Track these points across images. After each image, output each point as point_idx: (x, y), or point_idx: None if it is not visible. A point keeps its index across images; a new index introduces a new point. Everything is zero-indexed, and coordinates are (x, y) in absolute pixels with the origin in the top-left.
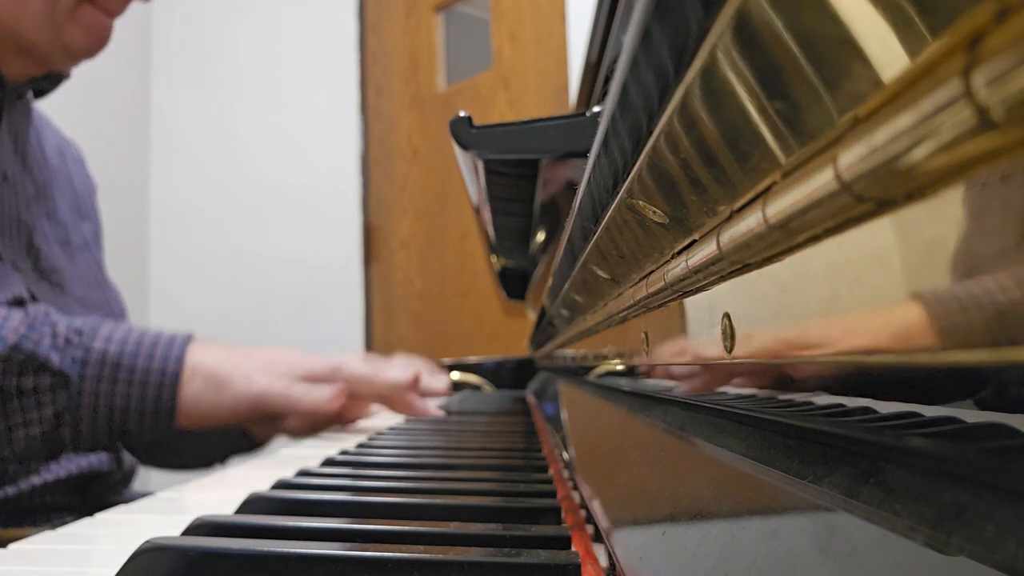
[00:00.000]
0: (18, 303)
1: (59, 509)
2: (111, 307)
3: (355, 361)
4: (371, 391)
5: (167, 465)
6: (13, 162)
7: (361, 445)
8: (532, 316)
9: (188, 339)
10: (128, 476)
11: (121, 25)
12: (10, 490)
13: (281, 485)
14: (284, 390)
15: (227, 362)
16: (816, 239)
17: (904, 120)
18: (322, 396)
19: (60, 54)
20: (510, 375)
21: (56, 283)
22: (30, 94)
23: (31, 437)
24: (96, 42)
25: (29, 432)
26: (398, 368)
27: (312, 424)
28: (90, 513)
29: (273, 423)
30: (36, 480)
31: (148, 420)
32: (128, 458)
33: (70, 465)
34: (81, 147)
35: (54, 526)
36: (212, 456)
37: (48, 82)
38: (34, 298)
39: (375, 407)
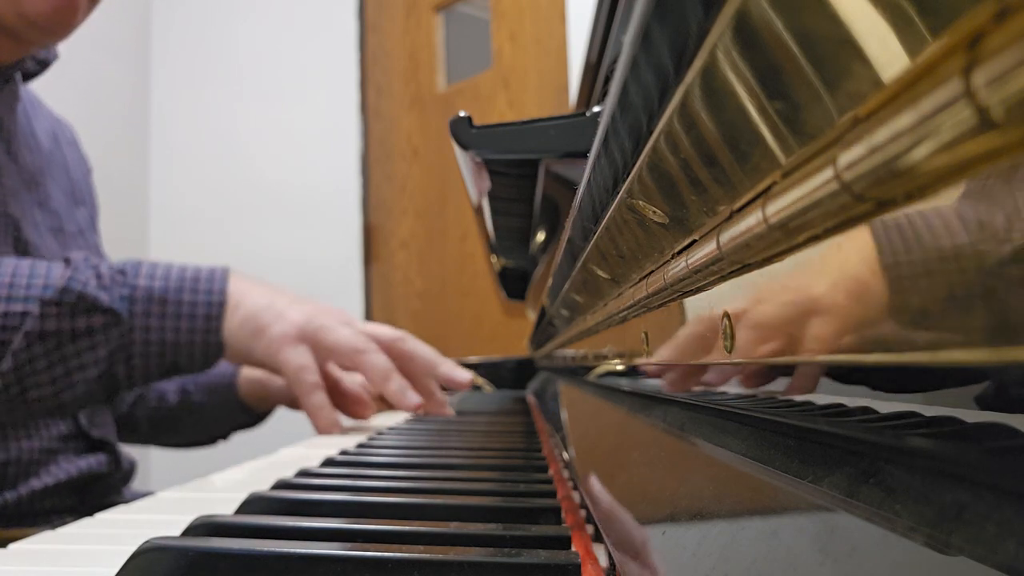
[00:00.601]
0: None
1: (59, 512)
2: None
3: (416, 340)
4: (429, 375)
5: (168, 443)
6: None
7: (361, 445)
8: (532, 316)
9: (227, 272)
10: (127, 476)
11: (121, 25)
12: (9, 495)
13: (281, 485)
14: (305, 383)
15: (268, 308)
16: (816, 239)
17: (904, 120)
18: (329, 418)
19: (25, 25)
20: (510, 375)
21: None
22: (17, 77)
23: (88, 379)
24: (60, 8)
25: (87, 374)
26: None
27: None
28: (90, 514)
29: (270, 391)
30: (36, 484)
31: (198, 353)
32: (127, 458)
33: (69, 467)
34: (82, 151)
35: (54, 527)
36: (214, 432)
37: (35, 64)
38: None
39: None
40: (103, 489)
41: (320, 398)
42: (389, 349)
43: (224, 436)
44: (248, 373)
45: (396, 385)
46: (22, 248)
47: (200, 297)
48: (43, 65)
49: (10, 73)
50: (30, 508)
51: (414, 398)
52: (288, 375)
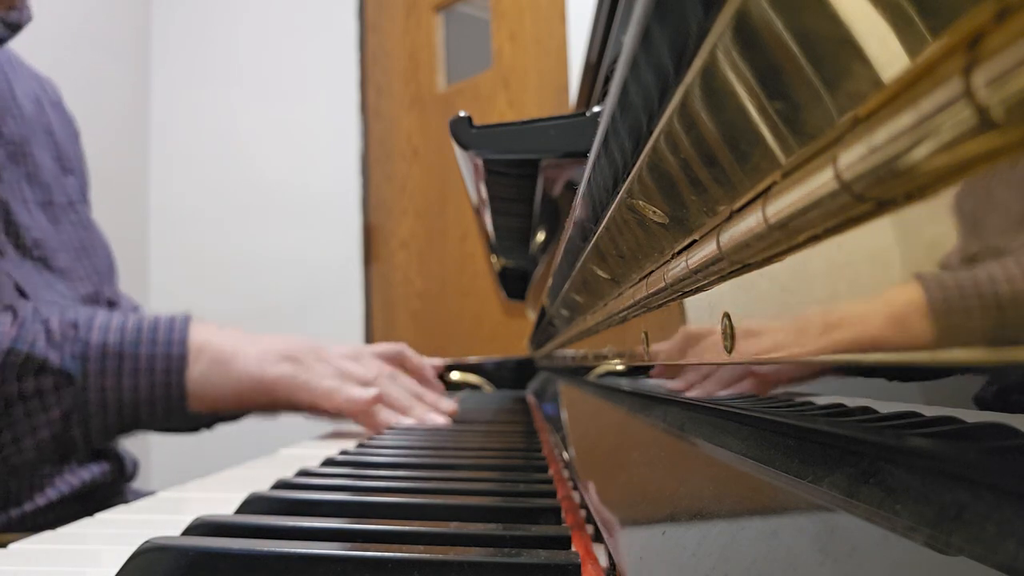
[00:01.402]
0: (6, 307)
1: (64, 523)
2: (98, 268)
3: (415, 353)
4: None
5: (158, 428)
6: None
7: (361, 445)
8: (532, 316)
9: (188, 320)
10: (130, 476)
11: (121, 25)
12: (14, 513)
13: (281, 485)
14: (310, 380)
15: (237, 344)
16: (816, 239)
17: (904, 120)
18: (362, 394)
19: None
20: (510, 375)
21: (39, 258)
22: None
23: (41, 442)
24: None
25: (39, 437)
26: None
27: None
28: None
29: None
30: (40, 500)
31: (160, 408)
32: (130, 460)
33: (73, 480)
34: (68, 112)
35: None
36: (199, 421)
37: (4, 28)
38: (20, 291)
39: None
40: (106, 494)
41: (334, 383)
42: (391, 362)
43: (208, 426)
44: None
45: (419, 411)
46: (13, 232)
47: (159, 349)
48: (14, 29)
49: None
50: (34, 523)
51: (438, 418)
52: (286, 388)
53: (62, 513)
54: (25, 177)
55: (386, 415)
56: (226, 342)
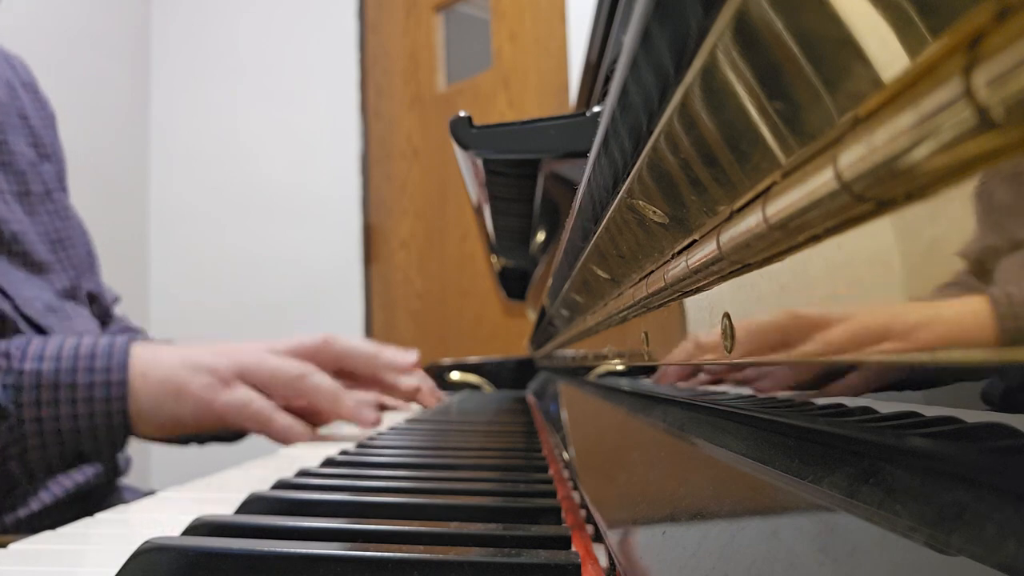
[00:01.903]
0: None
1: (62, 524)
2: (75, 261)
3: (343, 337)
4: (368, 368)
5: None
6: None
7: (361, 445)
8: (532, 316)
9: (128, 343)
10: (121, 473)
11: (121, 25)
12: (8, 519)
13: (281, 485)
14: (263, 410)
15: (182, 365)
16: (816, 239)
17: (904, 120)
18: (304, 435)
19: None
20: (510, 375)
21: (16, 252)
22: None
23: None
24: None
25: None
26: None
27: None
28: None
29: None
30: (35, 506)
31: (103, 437)
32: (122, 462)
33: (67, 483)
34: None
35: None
36: (189, 438)
37: None
38: (4, 293)
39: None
40: (103, 494)
41: (283, 418)
42: (319, 358)
43: (200, 442)
44: None
45: (349, 403)
46: None
47: (97, 377)
48: None
49: None
50: (29, 527)
51: (370, 415)
52: (236, 417)
53: (58, 516)
54: (1, 167)
55: (348, 409)
56: (173, 367)
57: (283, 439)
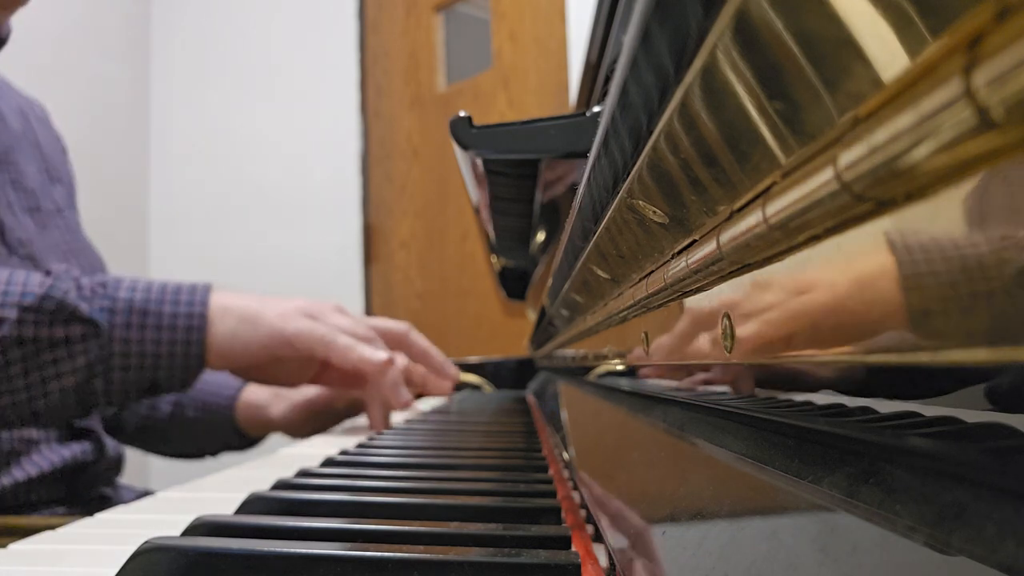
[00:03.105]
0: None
1: (48, 503)
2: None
3: (420, 336)
4: (425, 368)
5: (156, 451)
6: None
7: (361, 445)
8: (532, 316)
9: (209, 287)
10: (115, 465)
11: (121, 25)
12: None
13: (281, 485)
14: (327, 334)
15: (260, 303)
16: (816, 239)
17: (904, 120)
18: (375, 355)
19: None
20: (510, 375)
21: (26, 256)
22: None
23: (64, 389)
24: None
25: (63, 384)
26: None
27: (312, 423)
28: (80, 504)
29: (268, 418)
30: (19, 475)
31: (178, 364)
32: (112, 446)
33: (53, 457)
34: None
35: (46, 519)
36: (203, 448)
37: None
38: None
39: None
40: (91, 479)
41: (346, 339)
42: (391, 339)
43: (213, 453)
44: (248, 398)
45: (391, 379)
46: None
47: (181, 309)
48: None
49: None
50: (15, 500)
51: (406, 396)
52: (304, 341)
53: (45, 492)
54: (10, 183)
55: (395, 377)
56: (249, 303)
57: (343, 357)
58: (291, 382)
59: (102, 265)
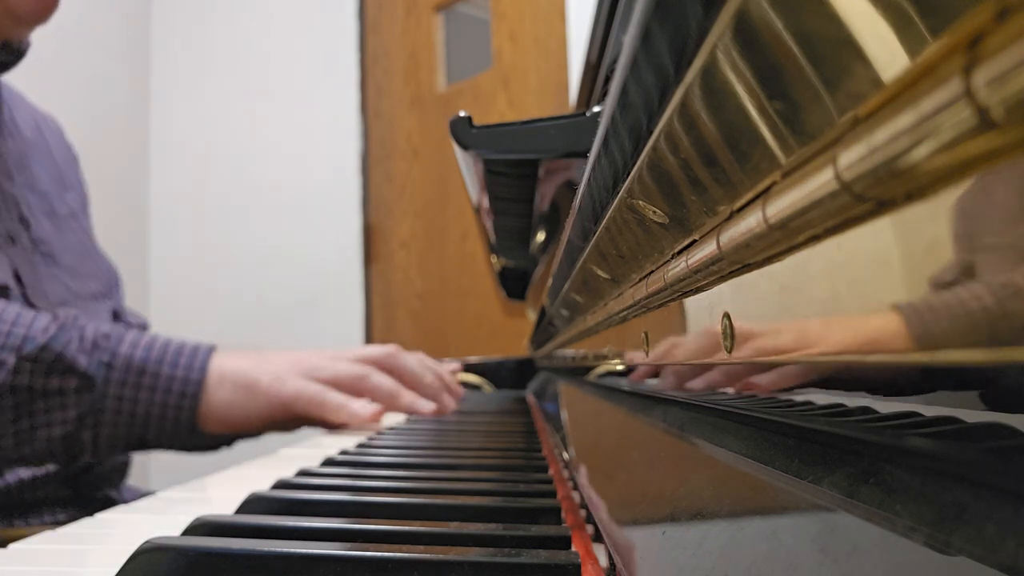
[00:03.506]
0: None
1: (52, 504)
2: (102, 276)
3: (408, 355)
4: (419, 390)
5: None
6: None
7: (361, 445)
8: (532, 316)
9: (212, 349)
10: (122, 468)
11: (121, 24)
12: None
13: (281, 485)
14: (319, 394)
15: (255, 367)
16: (816, 239)
17: (904, 120)
18: (363, 411)
19: (9, 20)
20: (510, 375)
21: (46, 253)
22: None
23: (52, 438)
24: (44, 5)
25: (51, 433)
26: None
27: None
28: (84, 506)
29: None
30: (25, 475)
31: (168, 427)
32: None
33: None
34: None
35: (45, 522)
36: (219, 440)
37: (8, 54)
38: (19, 278)
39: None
40: (96, 481)
41: (335, 396)
42: (381, 364)
43: (228, 443)
44: None
45: (407, 399)
46: (24, 225)
47: (179, 372)
48: (18, 55)
49: None
50: (21, 499)
51: (427, 405)
52: (298, 403)
53: (50, 492)
54: (27, 186)
55: (409, 401)
56: (246, 368)
57: (335, 416)
58: (293, 429)
59: (114, 271)
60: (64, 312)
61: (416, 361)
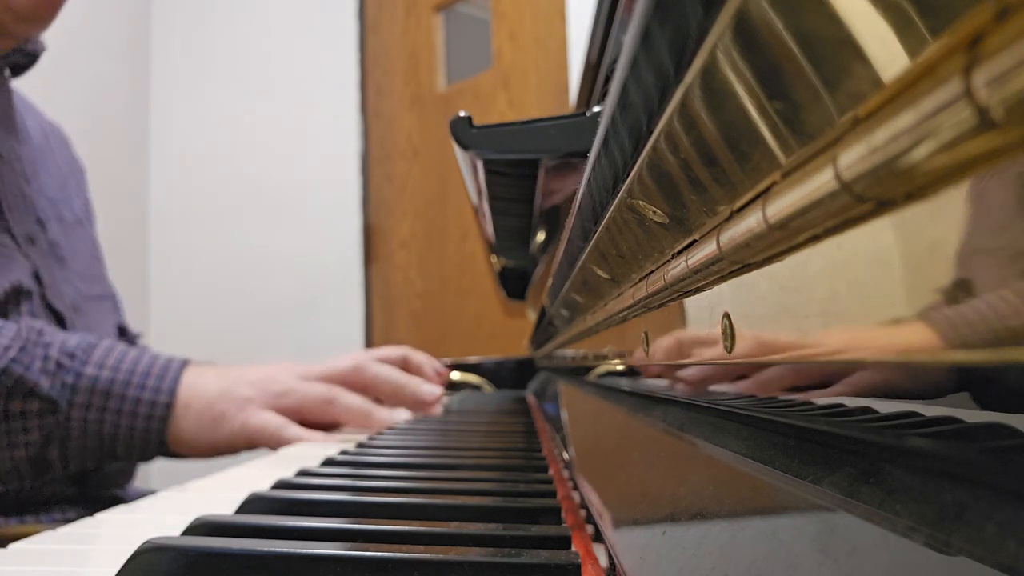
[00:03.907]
0: (17, 292)
1: (59, 501)
2: (105, 283)
3: (374, 363)
4: (395, 398)
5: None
6: (5, 139)
7: (361, 445)
8: (532, 316)
9: (183, 366)
10: (129, 468)
11: (121, 25)
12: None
13: (281, 485)
14: (278, 430)
15: (221, 395)
16: (816, 239)
17: (904, 120)
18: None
19: (9, 17)
20: (510, 375)
21: (59, 256)
22: (7, 72)
23: (17, 459)
24: (42, 3)
25: (15, 455)
26: (421, 381)
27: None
28: (90, 505)
29: None
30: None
31: (136, 448)
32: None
33: None
34: (81, 150)
35: (55, 519)
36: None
37: (23, 56)
38: (39, 279)
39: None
40: (102, 480)
41: (294, 430)
42: (350, 383)
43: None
44: None
45: (378, 418)
46: (41, 226)
47: (146, 395)
48: (32, 58)
49: (1, 65)
50: (29, 496)
51: (400, 417)
52: (260, 438)
53: (57, 490)
54: (39, 190)
55: (382, 417)
56: (212, 397)
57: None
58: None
59: (118, 300)
60: (28, 326)
61: (387, 370)
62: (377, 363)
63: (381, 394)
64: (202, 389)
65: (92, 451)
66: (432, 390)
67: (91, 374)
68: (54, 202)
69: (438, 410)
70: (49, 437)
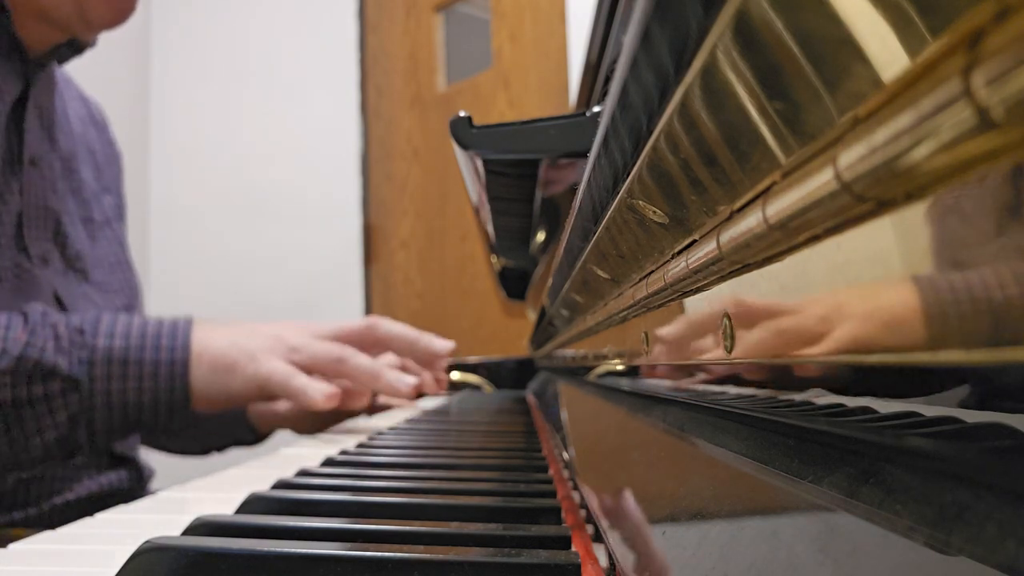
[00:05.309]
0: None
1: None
2: (127, 290)
3: (387, 321)
4: (408, 352)
5: (164, 448)
6: (41, 143)
7: (361, 445)
8: (532, 316)
9: (190, 323)
10: (145, 485)
11: (121, 25)
12: (32, 511)
13: (281, 485)
14: (286, 377)
15: (233, 345)
16: (816, 239)
17: (904, 120)
18: (317, 394)
19: (81, 25)
20: (510, 375)
21: (80, 270)
22: (53, 63)
23: (47, 442)
24: (119, 12)
25: (45, 438)
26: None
27: (315, 420)
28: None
29: (276, 413)
30: (57, 500)
31: (163, 410)
32: (147, 470)
33: (91, 484)
34: (111, 135)
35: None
36: (211, 444)
37: (70, 49)
38: (59, 302)
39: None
40: (123, 500)
41: (302, 378)
42: (362, 342)
43: (220, 449)
44: None
45: (387, 379)
46: (60, 241)
47: (163, 355)
48: (80, 49)
49: (47, 59)
50: (50, 523)
51: (408, 380)
52: (271, 384)
53: (77, 515)
54: (71, 192)
55: (389, 379)
56: (224, 347)
57: (296, 400)
58: (264, 427)
59: (139, 287)
60: (32, 311)
61: (399, 326)
62: (389, 320)
63: (395, 350)
64: (213, 341)
65: (119, 422)
66: (445, 344)
67: (104, 345)
68: (86, 202)
69: (443, 385)
70: (75, 416)
